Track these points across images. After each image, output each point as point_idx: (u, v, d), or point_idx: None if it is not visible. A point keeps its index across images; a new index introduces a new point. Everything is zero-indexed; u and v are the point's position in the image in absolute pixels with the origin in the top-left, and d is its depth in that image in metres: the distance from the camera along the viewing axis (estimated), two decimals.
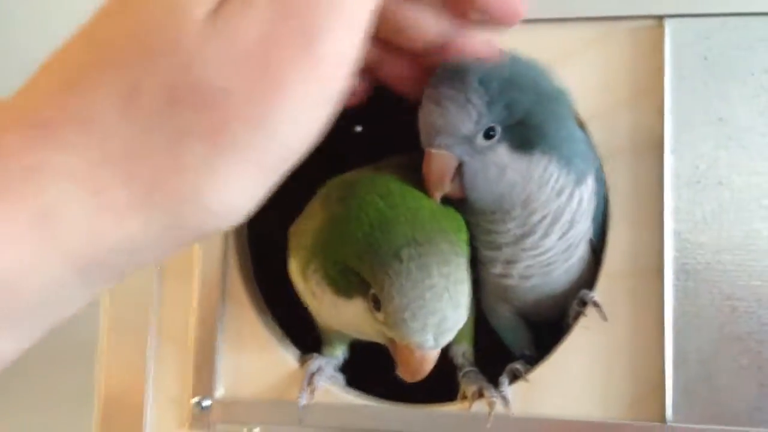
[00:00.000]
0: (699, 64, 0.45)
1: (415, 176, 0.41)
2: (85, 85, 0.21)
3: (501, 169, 0.39)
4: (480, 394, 0.45)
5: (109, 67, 0.21)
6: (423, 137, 0.39)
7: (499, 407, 0.44)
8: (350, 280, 0.37)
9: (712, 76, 0.44)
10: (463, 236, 0.41)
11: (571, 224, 0.42)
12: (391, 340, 0.37)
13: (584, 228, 0.43)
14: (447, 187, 0.39)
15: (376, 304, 0.36)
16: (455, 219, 0.42)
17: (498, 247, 0.43)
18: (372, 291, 0.36)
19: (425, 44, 0.31)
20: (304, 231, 0.42)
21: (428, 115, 0.38)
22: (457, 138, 0.38)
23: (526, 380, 0.45)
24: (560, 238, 0.42)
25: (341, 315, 0.40)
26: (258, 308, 0.49)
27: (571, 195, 0.41)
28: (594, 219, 0.44)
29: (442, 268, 0.35)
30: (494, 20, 0.30)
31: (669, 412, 0.42)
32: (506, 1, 0.29)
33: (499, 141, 0.39)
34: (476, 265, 0.44)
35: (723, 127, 0.44)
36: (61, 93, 0.21)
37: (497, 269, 0.44)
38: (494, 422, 0.44)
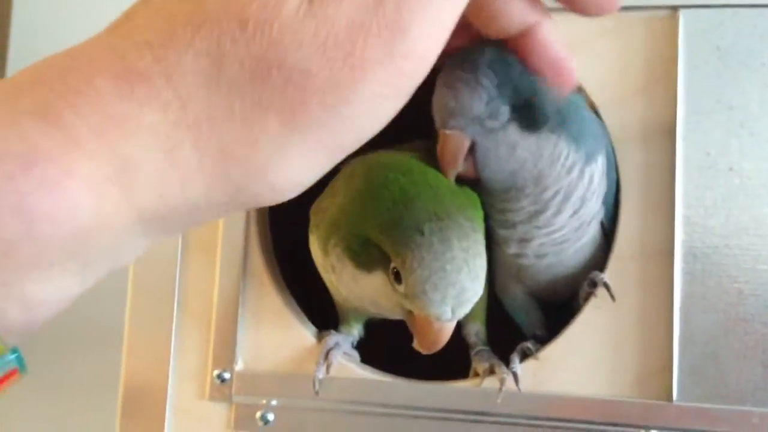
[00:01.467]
0: (712, 54, 0.46)
1: (434, 159, 0.42)
2: (178, 43, 0.21)
3: (511, 148, 0.41)
4: (491, 371, 0.46)
5: (203, 28, 0.22)
6: (437, 119, 0.40)
7: (509, 384, 0.45)
8: (371, 254, 0.39)
9: (725, 65, 0.45)
10: (479, 213, 0.43)
11: (583, 201, 0.43)
12: (410, 313, 0.38)
13: (595, 207, 0.45)
14: (460, 166, 0.41)
15: (397, 277, 0.37)
16: (472, 197, 0.43)
17: (512, 226, 0.44)
18: (393, 265, 0.37)
19: (506, 35, 0.30)
20: (326, 208, 0.43)
21: (441, 98, 0.39)
22: (469, 119, 0.39)
23: (537, 359, 0.46)
24: (572, 215, 0.44)
25: (361, 288, 0.41)
26: (277, 285, 0.50)
27: (581, 172, 0.43)
28: (605, 202, 0.45)
29: (461, 242, 0.37)
30: (591, 9, 0.29)
31: (675, 390, 0.44)
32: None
33: (508, 121, 0.40)
34: (490, 246, 0.45)
35: (734, 114, 0.45)
36: (155, 45, 0.22)
37: (512, 249, 0.45)
38: (504, 398, 0.45)
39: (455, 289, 0.36)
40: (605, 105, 0.46)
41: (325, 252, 0.42)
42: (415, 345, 0.39)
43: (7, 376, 0.23)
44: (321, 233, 0.43)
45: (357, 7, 0.22)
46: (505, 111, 0.40)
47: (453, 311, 0.37)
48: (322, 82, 0.22)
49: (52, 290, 0.22)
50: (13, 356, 0.22)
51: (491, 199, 0.44)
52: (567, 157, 0.42)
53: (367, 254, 0.39)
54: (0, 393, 0.23)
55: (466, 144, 0.40)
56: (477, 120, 0.39)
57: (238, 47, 0.21)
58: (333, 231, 0.41)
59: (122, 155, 0.21)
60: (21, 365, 0.23)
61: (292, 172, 0.23)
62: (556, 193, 0.43)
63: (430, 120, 0.41)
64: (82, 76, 0.21)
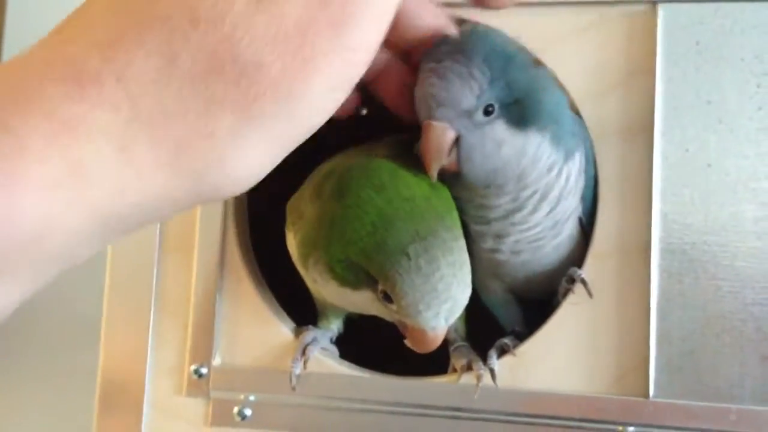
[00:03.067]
0: (691, 49, 0.45)
1: (408, 156, 0.42)
2: (128, 42, 0.22)
3: (497, 145, 0.40)
4: (469, 367, 0.46)
5: (154, 27, 0.22)
6: (422, 109, 0.39)
7: (487, 380, 0.45)
8: (357, 275, 0.38)
9: (704, 60, 0.45)
10: (455, 214, 0.42)
11: (559, 200, 0.43)
12: (402, 322, 0.38)
13: (572, 205, 0.44)
14: (444, 160, 0.40)
15: (386, 297, 0.37)
16: (445, 198, 0.42)
17: (487, 222, 0.44)
18: (380, 287, 0.37)
19: (418, 40, 0.34)
20: (300, 215, 0.43)
21: (430, 88, 0.38)
22: (458, 111, 0.38)
23: (514, 355, 0.46)
24: (548, 213, 0.43)
25: (346, 300, 0.41)
26: (255, 281, 0.50)
27: (560, 171, 0.42)
28: (583, 198, 0.45)
29: (447, 257, 0.37)
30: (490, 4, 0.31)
31: (652, 387, 0.43)
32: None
33: (497, 117, 0.39)
34: (467, 239, 0.45)
35: (713, 110, 0.45)
36: (105, 45, 0.22)
37: (487, 244, 0.45)
38: (482, 394, 0.45)
39: (448, 304, 0.37)
40: (584, 100, 0.46)
41: (305, 267, 0.42)
42: (408, 344, 0.39)
43: None
44: (298, 242, 0.43)
45: (305, 2, 0.23)
46: (494, 106, 0.39)
47: (446, 320, 0.38)
48: (275, 75, 0.22)
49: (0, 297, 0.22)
50: None
51: (469, 194, 0.43)
52: (549, 157, 0.42)
53: (353, 275, 0.39)
54: None
55: (452, 137, 0.39)
56: (465, 113, 0.39)
57: (190, 44, 0.22)
58: (311, 248, 0.41)
59: (74, 157, 0.21)
60: None
61: (248, 162, 0.24)
62: (535, 192, 0.42)
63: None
64: (32, 83, 0.22)
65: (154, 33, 0.22)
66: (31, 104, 0.21)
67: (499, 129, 0.40)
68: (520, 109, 0.40)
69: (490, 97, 0.38)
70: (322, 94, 0.24)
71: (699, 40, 0.45)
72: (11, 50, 0.87)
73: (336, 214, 0.39)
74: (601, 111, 0.46)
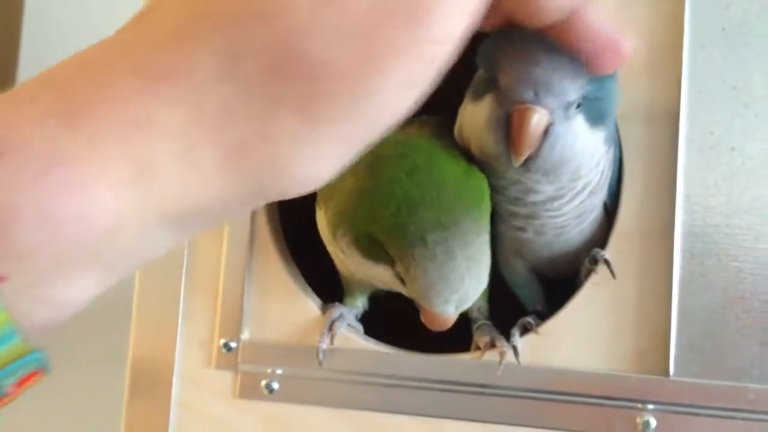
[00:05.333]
0: (717, 35, 0.46)
1: (446, 138, 0.42)
2: (192, 40, 0.21)
3: (575, 138, 0.39)
4: (492, 345, 0.47)
5: (216, 23, 0.21)
6: (519, 88, 0.37)
7: (509, 357, 0.46)
8: (378, 251, 0.39)
9: (729, 46, 0.46)
10: (485, 205, 0.42)
11: (591, 194, 0.44)
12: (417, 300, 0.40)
13: (599, 198, 0.45)
14: (534, 148, 0.38)
15: (401, 278, 0.38)
16: (479, 186, 0.41)
17: (524, 204, 0.44)
18: (396, 269, 0.38)
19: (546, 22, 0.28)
20: (334, 189, 0.43)
21: (537, 71, 0.36)
22: (561, 102, 0.37)
23: (537, 333, 0.47)
24: (578, 205, 0.44)
25: (368, 272, 0.42)
26: (284, 258, 0.51)
27: (599, 164, 0.43)
28: (609, 182, 0.46)
29: (465, 250, 0.37)
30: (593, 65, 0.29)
31: (672, 366, 0.44)
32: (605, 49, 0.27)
33: (579, 112, 0.39)
34: (493, 220, 0.45)
35: (738, 95, 0.45)
36: (171, 43, 0.21)
37: (515, 223, 0.46)
38: (504, 371, 0.46)
39: (458, 294, 0.37)
40: None
41: (334, 237, 0.43)
42: (423, 320, 0.40)
43: (31, 375, 0.22)
44: (329, 217, 0.44)
45: None
46: (582, 101, 0.38)
47: (456, 308, 0.39)
48: (344, 73, 0.21)
49: (77, 291, 0.22)
50: (37, 356, 0.22)
51: (522, 179, 0.42)
52: (600, 151, 0.42)
53: (374, 250, 0.39)
54: (22, 392, 0.23)
55: (547, 125, 0.38)
56: (567, 105, 0.38)
57: (254, 41, 0.21)
58: (340, 221, 0.42)
59: (141, 157, 0.21)
60: (44, 365, 0.23)
61: (314, 166, 0.22)
62: (581, 183, 0.43)
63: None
64: (105, 77, 0.21)
65: (219, 29, 0.21)
66: (102, 101, 0.21)
67: (579, 123, 0.39)
68: (596, 107, 0.39)
69: (584, 92, 0.38)
70: (397, 93, 0.22)
71: (725, 26, 0.46)
72: (29, 49, 0.88)
73: (366, 189, 0.40)
74: (627, 95, 0.46)
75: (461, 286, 0.37)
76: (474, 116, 0.40)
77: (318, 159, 0.22)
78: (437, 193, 0.38)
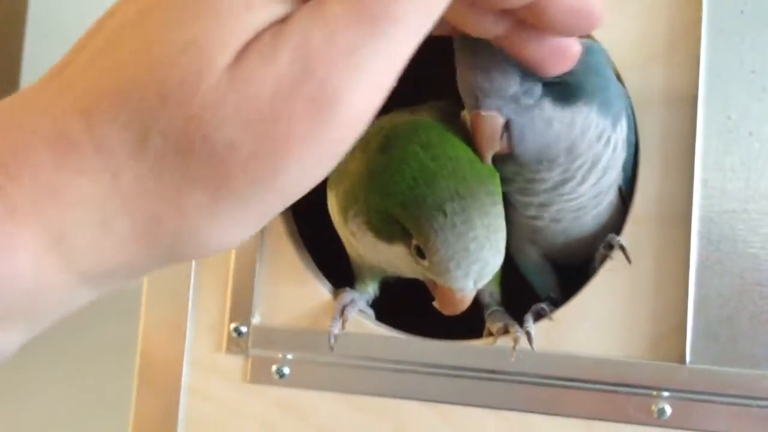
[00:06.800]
0: (736, 18, 0.45)
1: (453, 122, 0.42)
2: (106, 112, 0.21)
3: (547, 123, 0.41)
4: (505, 331, 0.47)
5: (128, 99, 0.21)
6: (468, 100, 0.40)
7: (523, 343, 0.46)
8: (393, 229, 0.39)
9: (748, 30, 0.45)
10: (497, 181, 0.42)
11: (605, 170, 0.44)
12: (432, 281, 0.39)
13: (615, 175, 0.45)
14: (497, 146, 0.40)
15: (419, 252, 0.38)
16: (488, 166, 0.42)
17: (535, 194, 0.44)
18: (415, 242, 0.38)
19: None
20: (344, 172, 0.43)
21: (472, 79, 0.39)
22: (504, 98, 0.39)
23: (551, 319, 0.46)
24: (594, 184, 0.44)
25: (381, 255, 0.42)
26: (295, 242, 0.51)
27: (608, 140, 0.43)
28: (624, 166, 0.45)
29: (483, 219, 0.37)
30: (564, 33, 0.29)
31: (688, 353, 0.44)
32: (579, 13, 0.27)
33: (542, 97, 0.40)
34: (506, 207, 0.45)
35: (756, 79, 0.45)
36: (86, 112, 0.21)
37: (529, 212, 0.46)
38: (518, 357, 0.46)
39: (478, 266, 0.37)
40: (627, 68, 0.46)
41: (345, 219, 0.43)
42: (436, 305, 0.40)
43: None
44: (339, 199, 0.43)
45: (281, 78, 0.21)
46: (538, 88, 0.40)
47: (475, 283, 0.38)
48: (248, 156, 0.21)
49: (1, 341, 0.23)
50: None
51: (519, 170, 0.43)
52: (597, 126, 0.42)
53: (389, 228, 0.39)
54: None
55: (502, 123, 0.40)
56: (512, 98, 0.39)
57: (160, 121, 0.21)
58: (352, 201, 0.41)
59: (58, 225, 0.21)
60: None
61: (224, 235, 0.23)
62: (584, 162, 0.43)
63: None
64: (23, 141, 0.21)
65: (128, 105, 0.21)
66: (21, 165, 0.21)
67: (547, 108, 0.40)
68: (563, 86, 0.40)
69: (532, 79, 0.39)
70: (303, 172, 0.22)
71: (743, 9, 0.45)
72: (32, 50, 0.88)
73: (379, 166, 0.40)
74: (644, 79, 0.46)
75: (481, 255, 0.37)
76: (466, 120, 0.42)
77: (227, 230, 0.23)
78: (453, 166, 0.38)
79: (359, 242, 0.43)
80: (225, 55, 0.21)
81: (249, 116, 0.21)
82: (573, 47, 0.30)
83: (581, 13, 0.27)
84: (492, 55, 0.38)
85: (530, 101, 0.40)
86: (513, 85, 0.39)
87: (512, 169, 0.43)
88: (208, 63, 0.21)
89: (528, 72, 0.38)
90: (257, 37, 0.21)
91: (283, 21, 0.21)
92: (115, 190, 0.21)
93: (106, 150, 0.21)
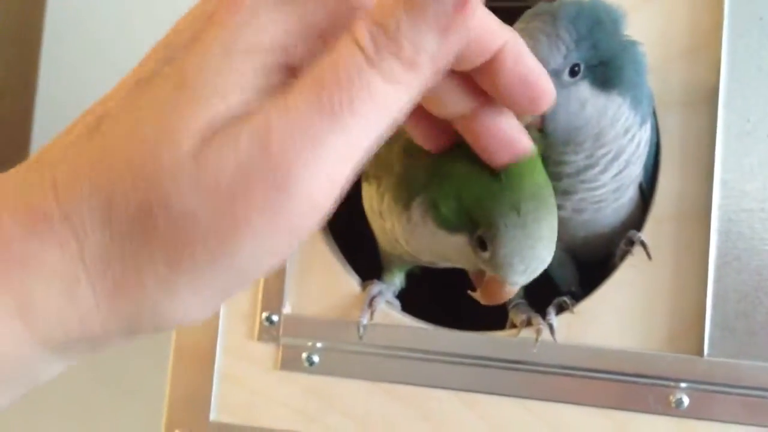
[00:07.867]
0: (755, 24, 0.47)
1: None
2: (77, 182, 0.22)
3: (581, 104, 0.42)
4: (528, 323, 0.48)
5: (99, 169, 0.22)
6: None
7: (545, 335, 0.47)
8: (459, 217, 0.39)
9: (766, 35, 0.47)
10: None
11: (627, 164, 0.45)
12: (481, 271, 0.41)
13: (636, 170, 0.46)
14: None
15: (481, 244, 0.39)
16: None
17: (559, 178, 0.46)
18: (479, 233, 0.39)
19: (450, 116, 0.30)
20: (387, 164, 0.44)
21: None
22: (546, 70, 0.40)
23: (572, 312, 0.48)
24: (615, 175, 0.45)
25: (435, 244, 0.42)
26: (325, 234, 0.53)
27: (633, 136, 0.44)
28: (645, 165, 0.47)
29: (550, 221, 0.38)
30: (519, 109, 0.29)
31: (706, 345, 0.45)
32: (530, 89, 0.28)
33: (582, 78, 0.41)
34: None
35: None
36: (59, 184, 0.22)
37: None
38: (540, 348, 0.47)
39: (536, 263, 0.38)
40: (649, 69, 0.48)
41: (406, 207, 0.43)
42: (477, 296, 0.41)
43: None
44: (390, 188, 0.44)
45: (241, 162, 0.21)
46: (580, 67, 0.41)
47: (527, 278, 0.39)
48: (205, 229, 0.22)
49: None
50: None
51: (548, 151, 0.45)
52: (626, 120, 0.44)
53: (455, 216, 0.40)
54: None
55: None
56: (553, 72, 0.40)
57: (125, 191, 0.22)
58: (420, 189, 0.42)
59: (24, 292, 0.22)
60: None
61: (183, 309, 0.23)
62: (609, 151, 0.44)
63: None
64: None
65: (99, 175, 0.22)
66: None
67: (584, 89, 0.42)
68: (604, 71, 0.41)
69: (576, 58, 0.40)
70: (261, 251, 0.22)
71: (762, 16, 0.47)
72: (51, 45, 0.89)
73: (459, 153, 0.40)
74: (665, 81, 0.48)
75: (542, 254, 0.38)
76: None
77: (186, 304, 0.23)
78: (532, 165, 0.39)
79: (413, 230, 0.43)
80: (192, 138, 0.22)
81: (209, 191, 0.21)
82: (523, 141, 0.31)
83: (528, 83, 0.28)
84: (542, 24, 0.39)
85: (570, 80, 0.41)
86: (557, 58, 0.40)
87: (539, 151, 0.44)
88: (174, 145, 0.22)
89: (573, 49, 0.40)
90: (225, 122, 0.22)
91: (250, 109, 0.22)
92: (81, 260, 0.22)
93: (75, 220, 0.22)
